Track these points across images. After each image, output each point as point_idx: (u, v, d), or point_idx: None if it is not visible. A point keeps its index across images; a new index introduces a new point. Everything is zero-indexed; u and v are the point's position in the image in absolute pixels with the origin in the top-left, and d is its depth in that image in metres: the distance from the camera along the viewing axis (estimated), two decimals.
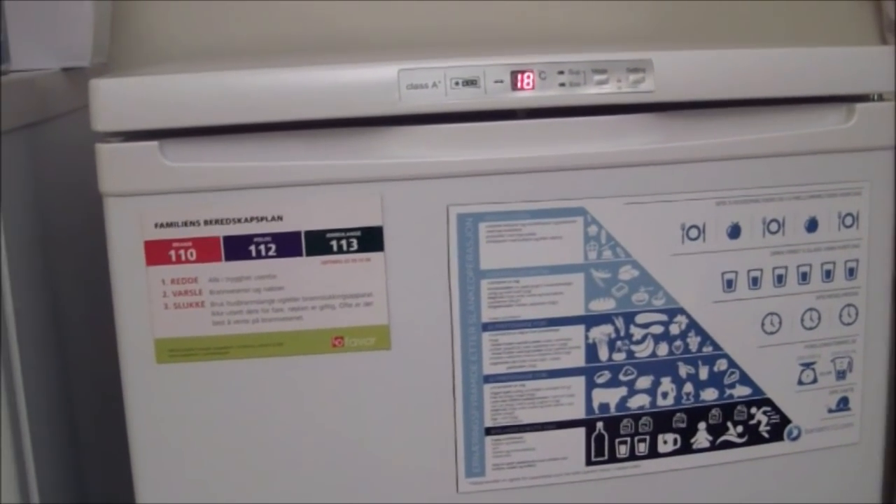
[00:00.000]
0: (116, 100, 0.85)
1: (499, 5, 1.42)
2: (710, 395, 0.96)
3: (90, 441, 1.18)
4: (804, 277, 0.96)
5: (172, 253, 0.87)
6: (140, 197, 0.87)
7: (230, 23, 1.37)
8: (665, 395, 0.96)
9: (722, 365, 0.96)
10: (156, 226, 0.87)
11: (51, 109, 1.10)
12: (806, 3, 1.47)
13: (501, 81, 0.88)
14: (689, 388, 0.96)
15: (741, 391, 0.97)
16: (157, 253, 0.87)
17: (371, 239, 0.89)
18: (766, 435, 0.99)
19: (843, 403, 1.00)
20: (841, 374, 0.99)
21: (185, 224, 0.87)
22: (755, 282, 0.95)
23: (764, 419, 0.98)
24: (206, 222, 0.87)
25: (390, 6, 1.40)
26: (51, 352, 1.04)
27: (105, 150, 0.86)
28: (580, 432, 0.95)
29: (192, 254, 0.88)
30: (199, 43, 1.38)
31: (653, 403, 0.96)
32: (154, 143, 0.86)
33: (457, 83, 0.87)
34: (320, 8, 1.39)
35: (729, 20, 1.47)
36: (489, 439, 0.94)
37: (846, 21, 1.48)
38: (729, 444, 0.98)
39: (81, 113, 1.15)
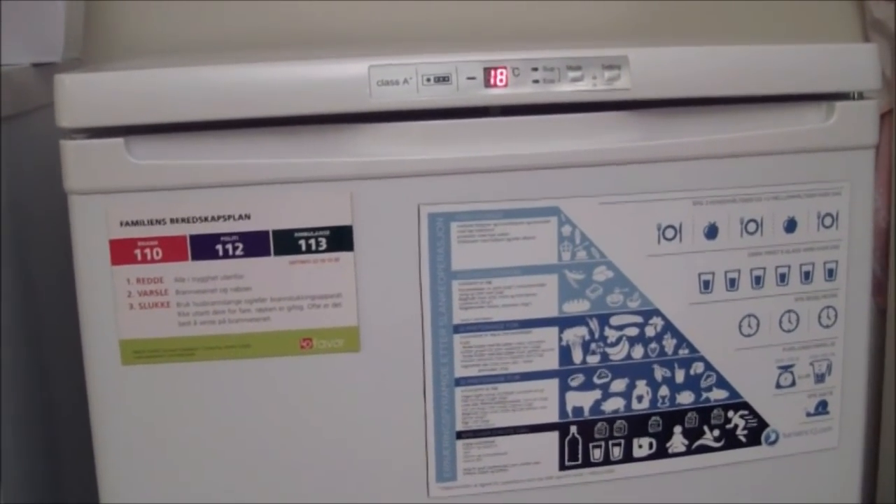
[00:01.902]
0: (81, 95, 0.83)
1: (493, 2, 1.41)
2: (686, 398, 0.95)
3: (67, 442, 1.16)
4: (782, 279, 0.95)
5: (138, 252, 0.86)
6: (105, 195, 0.85)
7: (206, 17, 1.36)
8: (640, 398, 0.94)
9: (698, 368, 0.94)
10: (121, 224, 0.85)
11: (22, 105, 1.09)
12: (789, 1, 1.46)
13: (474, 78, 0.86)
14: (664, 391, 0.94)
15: (718, 394, 0.95)
16: (123, 252, 0.86)
17: (340, 238, 0.87)
18: (743, 439, 0.97)
19: (822, 407, 0.98)
20: (820, 378, 0.97)
21: (151, 223, 0.85)
22: (733, 283, 0.94)
23: (741, 423, 0.97)
24: (172, 221, 0.86)
25: (374, 4, 1.38)
26: (26, 350, 1.03)
27: (70, 147, 0.84)
28: (553, 436, 0.93)
29: (157, 253, 0.86)
30: (175, 38, 1.36)
31: (628, 407, 0.94)
32: (119, 140, 0.84)
33: (428, 80, 0.86)
34: (296, 3, 1.37)
35: (711, 18, 1.46)
36: (460, 443, 0.92)
37: (829, 19, 1.47)
38: (705, 449, 0.96)
39: (53, 109, 1.13)
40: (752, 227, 0.93)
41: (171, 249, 0.86)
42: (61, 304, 1.15)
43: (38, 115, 1.12)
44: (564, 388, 0.93)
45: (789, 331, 0.96)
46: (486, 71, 0.86)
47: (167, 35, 1.36)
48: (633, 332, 0.92)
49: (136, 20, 1.35)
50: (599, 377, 0.93)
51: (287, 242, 0.87)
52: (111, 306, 0.87)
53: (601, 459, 0.95)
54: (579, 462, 0.94)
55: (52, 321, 1.14)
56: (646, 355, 0.93)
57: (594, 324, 0.92)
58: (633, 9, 1.44)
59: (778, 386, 0.97)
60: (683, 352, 0.94)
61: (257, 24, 1.37)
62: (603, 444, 0.94)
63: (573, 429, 0.94)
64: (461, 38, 1.40)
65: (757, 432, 0.97)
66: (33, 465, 1.05)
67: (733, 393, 0.96)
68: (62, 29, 1.15)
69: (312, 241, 0.87)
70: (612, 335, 0.92)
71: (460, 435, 0.92)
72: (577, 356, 0.92)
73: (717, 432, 0.96)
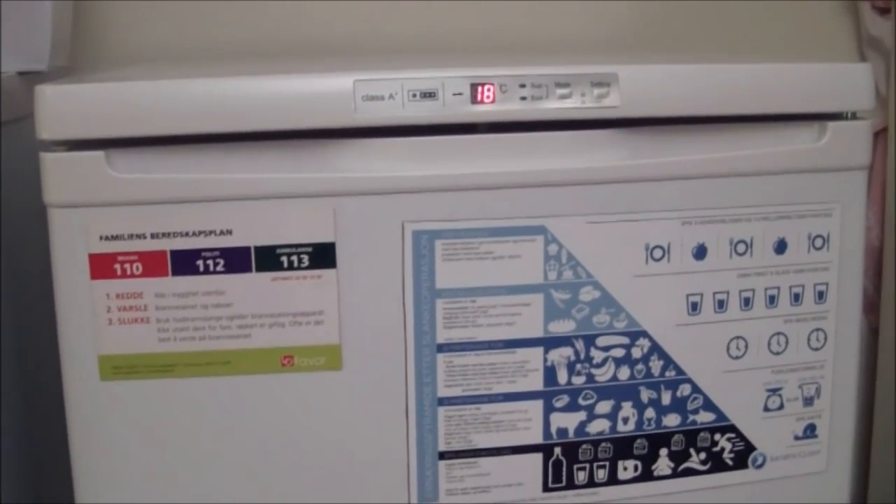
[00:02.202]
0: (62, 107, 0.82)
1: (485, 7, 1.40)
2: (672, 420, 0.94)
3: (53, 450, 1.15)
4: (772, 301, 0.93)
5: (118, 266, 0.85)
6: (85, 208, 0.84)
7: (197, 25, 1.35)
8: (626, 420, 0.93)
9: (685, 390, 0.93)
10: (101, 238, 0.84)
11: (6, 114, 1.07)
12: (784, 19, 1.45)
13: (461, 94, 0.85)
14: (650, 413, 0.93)
15: (705, 417, 0.94)
16: (102, 266, 0.84)
17: (323, 255, 0.86)
18: (730, 462, 0.96)
19: (810, 430, 0.97)
20: (808, 401, 0.96)
21: (131, 237, 0.84)
22: (721, 304, 0.92)
23: (728, 446, 0.95)
24: (152, 235, 0.84)
25: (363, 7, 1.37)
26: (18, 357, 1.02)
27: (49, 160, 0.83)
28: (537, 458, 0.92)
29: (137, 268, 0.85)
30: (166, 45, 1.35)
31: (613, 429, 0.93)
32: (100, 153, 0.83)
33: (414, 95, 0.84)
34: (290, 9, 1.37)
35: (705, 37, 1.45)
36: (443, 464, 0.91)
37: (825, 37, 1.46)
38: (691, 472, 0.95)
39: None
40: (741, 248, 0.92)
41: (152, 264, 0.85)
42: (53, 313, 1.14)
43: (25, 124, 1.11)
44: (549, 409, 0.91)
45: (778, 353, 0.94)
46: (473, 87, 0.85)
47: (157, 43, 1.35)
48: (620, 353, 0.91)
49: (126, 28, 1.34)
50: (585, 398, 0.92)
51: (269, 259, 0.85)
52: (90, 321, 0.85)
53: (585, 482, 0.93)
54: (563, 484, 0.93)
55: (44, 329, 1.12)
56: (632, 377, 0.92)
57: (580, 344, 0.90)
58: (633, 24, 1.43)
59: (766, 409, 0.95)
60: (670, 373, 0.92)
61: (249, 31, 1.36)
62: (587, 465, 0.93)
63: (557, 450, 0.92)
64: (454, 48, 1.39)
65: (744, 455, 0.96)
66: (21, 473, 1.04)
67: (720, 415, 0.94)
68: (49, 37, 1.14)
69: (294, 258, 0.86)
70: (597, 356, 0.91)
71: (443, 455, 0.91)
72: (563, 377, 0.91)
73: (703, 455, 0.95)
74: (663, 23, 1.43)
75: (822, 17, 1.45)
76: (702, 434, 0.95)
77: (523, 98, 0.86)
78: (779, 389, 0.95)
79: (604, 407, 0.92)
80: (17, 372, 1.04)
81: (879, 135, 1.41)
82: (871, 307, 1.46)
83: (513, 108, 0.86)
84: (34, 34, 1.14)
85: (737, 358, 0.94)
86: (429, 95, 0.85)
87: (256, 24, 1.36)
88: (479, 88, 0.85)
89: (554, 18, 1.41)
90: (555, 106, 0.86)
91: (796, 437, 0.97)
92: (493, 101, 0.85)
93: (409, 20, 1.38)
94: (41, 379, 1.13)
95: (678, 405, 0.93)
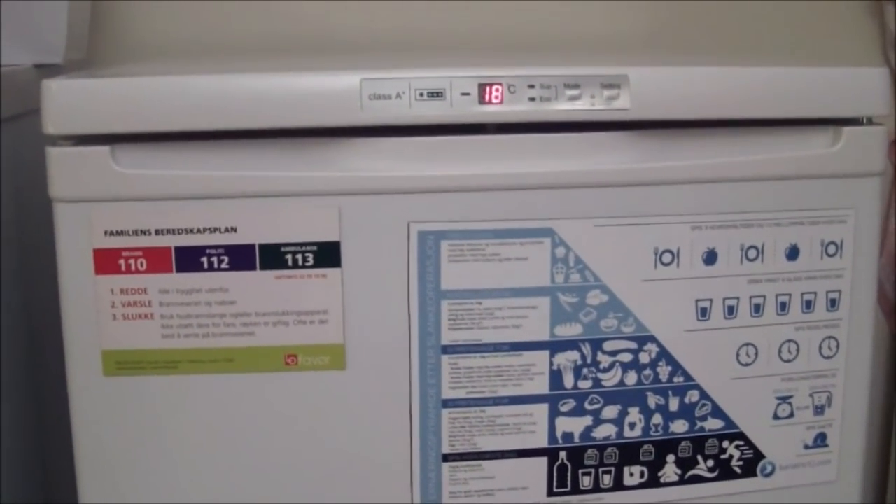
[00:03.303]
0: (68, 102, 0.82)
1: (495, 6, 1.39)
2: (680, 427, 0.92)
3: (60, 448, 1.15)
4: (783, 307, 0.92)
5: (122, 262, 0.84)
6: (90, 203, 0.84)
7: (215, 19, 1.35)
8: (633, 425, 0.92)
9: (693, 396, 0.92)
10: (105, 233, 0.84)
11: (22, 106, 1.08)
12: (807, 19, 1.43)
13: (468, 94, 0.84)
14: (657, 419, 0.92)
15: (713, 424, 0.93)
16: (107, 262, 0.84)
17: (328, 254, 0.85)
18: (738, 470, 0.95)
19: (821, 440, 0.96)
20: (819, 410, 0.95)
21: (136, 233, 0.84)
22: (731, 310, 0.91)
23: (736, 454, 0.94)
24: (157, 232, 0.84)
25: (374, 6, 1.37)
26: (24, 353, 1.02)
27: (55, 154, 0.83)
28: (542, 462, 0.91)
29: (142, 264, 0.84)
30: (182, 39, 1.35)
31: (619, 434, 0.92)
32: (105, 148, 0.83)
33: (421, 94, 0.84)
34: (304, 6, 1.36)
35: (726, 38, 1.43)
36: (446, 466, 0.90)
37: (848, 38, 1.44)
38: (699, 479, 0.94)
39: None
40: (752, 253, 0.91)
41: (156, 260, 0.85)
42: (59, 307, 1.14)
43: (39, 117, 1.11)
44: (554, 414, 0.90)
45: (788, 361, 0.93)
46: (481, 87, 0.84)
47: (176, 38, 1.35)
48: (627, 357, 0.90)
49: (144, 23, 1.34)
50: (591, 403, 0.91)
51: (273, 257, 0.85)
52: (94, 316, 0.85)
53: (591, 487, 0.92)
54: (568, 489, 0.92)
55: (52, 324, 1.12)
56: (639, 382, 0.91)
57: (586, 348, 0.89)
58: (646, 16, 1.41)
59: (775, 417, 0.94)
60: (678, 379, 0.91)
61: (264, 26, 1.35)
62: (593, 471, 0.92)
63: (563, 455, 0.91)
64: (463, 47, 1.38)
65: (752, 464, 0.95)
66: (27, 471, 1.04)
67: (729, 423, 0.93)
68: (64, 30, 1.14)
69: (299, 256, 0.85)
70: (604, 360, 0.90)
71: (446, 458, 0.90)
72: (569, 381, 0.90)
73: (710, 462, 0.94)
74: (680, 24, 1.42)
75: (845, 18, 1.43)
76: (710, 441, 0.93)
77: (532, 99, 0.85)
78: (789, 397, 0.94)
79: (610, 412, 0.91)
80: (24, 368, 1.05)
81: None
82: (893, 312, 1.44)
83: (521, 109, 0.85)
84: (50, 28, 1.14)
85: (746, 365, 0.92)
86: (436, 95, 0.84)
87: (274, 18, 1.36)
88: (487, 89, 0.84)
89: (566, 18, 1.40)
90: (564, 107, 0.85)
91: (806, 447, 0.96)
92: (501, 102, 0.85)
93: (416, 18, 1.37)
94: (49, 375, 1.13)
95: (686, 411, 0.92)
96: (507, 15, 1.39)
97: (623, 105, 0.86)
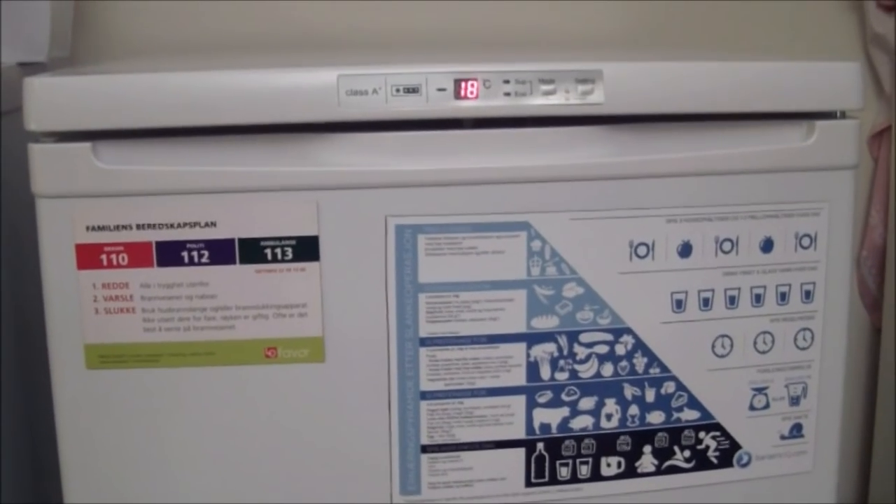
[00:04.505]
0: (50, 99, 0.83)
1: (471, 4, 1.40)
2: (656, 417, 0.93)
3: (49, 443, 1.16)
4: (758, 299, 0.93)
5: (104, 257, 0.85)
6: (72, 199, 0.85)
7: (196, 18, 1.35)
8: (609, 416, 0.93)
9: (669, 387, 0.93)
10: (87, 229, 0.85)
11: (6, 104, 1.08)
12: (788, 17, 1.44)
13: (444, 89, 0.85)
14: (634, 410, 0.93)
15: (689, 415, 0.94)
16: (89, 256, 0.85)
17: (306, 248, 0.86)
18: (714, 460, 0.96)
19: (797, 430, 0.97)
20: (795, 400, 0.96)
21: (118, 228, 0.85)
22: (706, 302, 0.92)
23: (713, 444, 0.95)
24: (138, 227, 0.85)
25: (349, 3, 1.38)
26: (20, 349, 1.02)
27: (37, 151, 0.84)
28: (520, 453, 0.92)
29: (123, 258, 0.85)
30: (166, 36, 1.36)
31: (596, 425, 0.93)
32: (87, 145, 0.84)
33: (398, 90, 0.85)
34: (291, 4, 1.37)
35: (707, 34, 1.44)
36: (425, 457, 0.91)
37: (829, 34, 1.45)
38: (675, 469, 0.95)
39: None
40: (727, 246, 0.92)
41: (137, 255, 0.86)
42: None
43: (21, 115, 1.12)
44: (532, 405, 0.91)
45: (764, 352, 0.94)
46: (457, 82, 0.85)
47: (156, 35, 1.36)
48: (603, 349, 0.91)
49: (126, 20, 1.35)
50: (568, 394, 0.92)
51: (253, 251, 0.86)
52: (77, 310, 0.86)
53: (568, 477, 0.93)
54: (546, 479, 0.93)
55: (43, 320, 1.13)
56: (616, 373, 0.92)
57: (563, 340, 0.90)
58: (632, 19, 1.42)
59: (751, 408, 0.95)
60: (654, 371, 0.92)
61: (244, 24, 1.36)
62: (570, 461, 0.93)
63: (540, 445, 0.92)
64: (439, 44, 1.39)
65: (729, 454, 0.96)
66: (18, 466, 1.04)
67: (705, 414, 0.94)
68: (48, 28, 1.15)
69: (278, 251, 0.86)
70: (581, 352, 0.91)
71: (425, 449, 0.91)
72: (546, 373, 0.91)
73: (687, 453, 0.95)
74: (660, 21, 1.42)
75: (827, 16, 1.44)
76: (686, 432, 0.95)
77: (507, 94, 0.86)
78: (765, 388, 0.95)
79: (587, 403, 0.92)
80: (16, 364, 1.05)
81: (884, 133, 1.41)
82: (875, 306, 1.45)
83: (496, 104, 0.86)
84: (34, 25, 1.15)
85: (722, 356, 0.94)
86: (412, 90, 0.85)
87: (259, 16, 1.36)
88: (463, 84, 0.85)
89: (544, 17, 1.41)
90: (539, 102, 0.86)
91: (782, 437, 0.97)
92: (476, 97, 0.86)
93: (393, 15, 1.38)
94: (41, 371, 1.14)
95: (662, 402, 0.93)
96: (484, 13, 1.40)
97: (597, 100, 0.87)
